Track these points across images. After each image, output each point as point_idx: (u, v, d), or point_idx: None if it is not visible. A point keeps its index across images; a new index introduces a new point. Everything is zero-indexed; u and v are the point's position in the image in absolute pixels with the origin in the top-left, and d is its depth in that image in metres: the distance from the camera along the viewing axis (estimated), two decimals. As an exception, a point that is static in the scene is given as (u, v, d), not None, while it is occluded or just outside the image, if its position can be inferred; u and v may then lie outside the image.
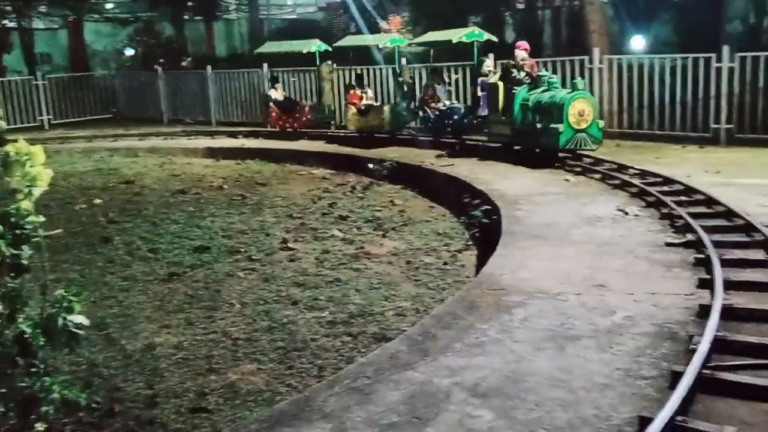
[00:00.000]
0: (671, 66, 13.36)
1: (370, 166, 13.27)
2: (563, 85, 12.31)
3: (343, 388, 4.10)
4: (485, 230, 8.64)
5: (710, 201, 7.97)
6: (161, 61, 24.65)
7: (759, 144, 12.04)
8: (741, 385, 3.85)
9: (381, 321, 6.39)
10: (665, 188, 8.85)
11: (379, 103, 15.75)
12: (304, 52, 16.52)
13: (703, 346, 4.17)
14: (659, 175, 9.53)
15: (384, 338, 5.89)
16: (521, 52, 12.27)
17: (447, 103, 14.34)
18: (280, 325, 6.39)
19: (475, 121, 13.53)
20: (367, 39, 17.67)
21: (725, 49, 12.65)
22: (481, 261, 7.52)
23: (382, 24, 23.86)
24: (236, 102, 20.65)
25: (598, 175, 10.15)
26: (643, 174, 9.77)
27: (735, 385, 3.86)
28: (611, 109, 14.12)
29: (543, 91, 11.31)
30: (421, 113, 14.70)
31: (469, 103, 14.59)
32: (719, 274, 5.43)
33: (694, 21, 18.80)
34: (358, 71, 16.81)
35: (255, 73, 19.79)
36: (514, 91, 11.80)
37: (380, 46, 15.78)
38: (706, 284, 5.44)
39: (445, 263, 8.07)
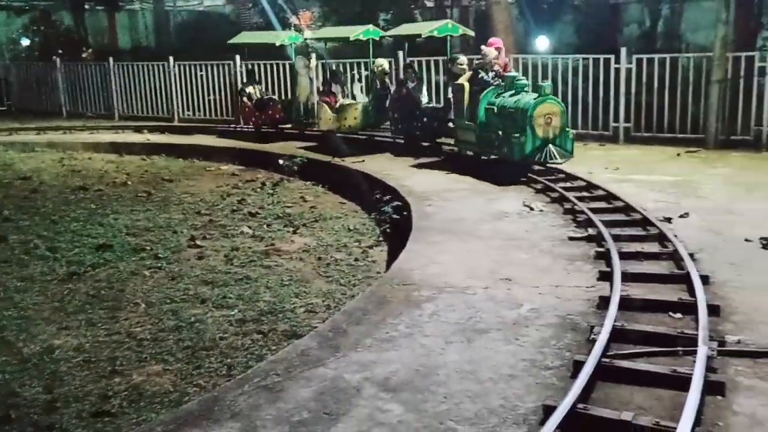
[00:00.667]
0: (573, 66, 13.81)
1: (281, 162, 13.15)
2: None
3: (253, 387, 4.05)
4: (396, 226, 8.72)
5: (610, 196, 8.31)
6: (60, 52, 23.61)
7: (654, 142, 12.62)
8: (637, 372, 4.02)
9: (292, 318, 6.34)
10: (568, 184, 9.17)
11: (355, 102, 14.01)
12: (277, 44, 15.09)
13: (603, 336, 4.34)
14: (562, 172, 9.86)
15: (295, 335, 5.85)
16: (490, 50, 10.96)
17: (424, 101, 12.90)
18: (188, 324, 6.24)
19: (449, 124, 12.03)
20: (263, 36, 16.87)
21: (623, 51, 13.19)
22: (392, 257, 7.58)
23: (292, 19, 23.65)
24: (140, 96, 19.98)
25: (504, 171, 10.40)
26: (548, 171, 10.08)
27: (632, 372, 4.03)
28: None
29: (512, 95, 9.96)
30: (393, 114, 13.14)
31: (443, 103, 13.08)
32: (618, 266, 5.66)
33: (594, 23, 19.53)
34: (333, 67, 15.56)
35: (225, 66, 18.27)
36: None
37: (278, 44, 14.87)
38: (606, 277, 5.66)
39: (356, 259, 8.08)
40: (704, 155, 11.62)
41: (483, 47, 11.05)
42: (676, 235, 6.56)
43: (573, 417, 3.49)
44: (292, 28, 17.78)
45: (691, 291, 5.15)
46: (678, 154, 11.67)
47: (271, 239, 8.93)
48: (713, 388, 3.82)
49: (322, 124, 14.06)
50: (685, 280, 5.44)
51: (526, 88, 9.95)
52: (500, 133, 9.86)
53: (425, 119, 12.46)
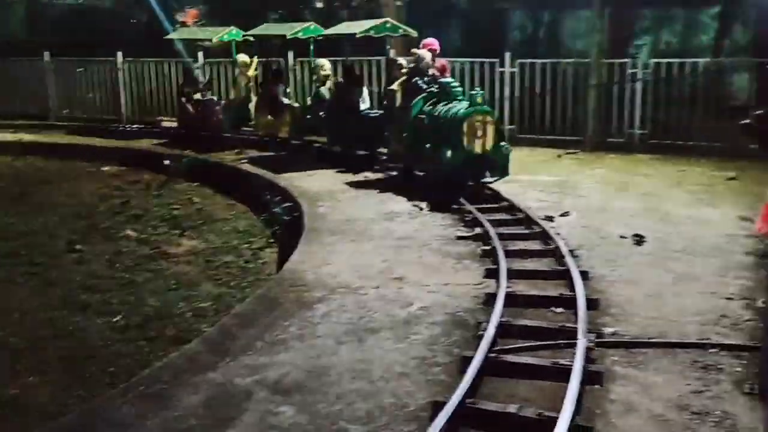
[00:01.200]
0: (460, 69, 14.14)
1: (167, 162, 12.76)
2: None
3: (138, 395, 3.90)
4: (287, 227, 8.64)
5: (496, 197, 8.57)
6: None
7: (538, 143, 13.11)
8: (522, 366, 4.17)
9: (179, 323, 6.17)
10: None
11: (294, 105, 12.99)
12: (214, 40, 14.07)
13: (489, 332, 4.46)
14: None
15: (183, 341, 5.69)
16: (424, 52, 9.87)
17: (364, 107, 11.66)
18: (67, 332, 5.95)
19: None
20: (202, 32, 15.85)
21: (507, 56, 13.63)
22: (284, 258, 7.51)
23: (178, 16, 23.01)
24: (12, 92, 18.81)
25: (394, 173, 10.52)
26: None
27: (517, 366, 4.17)
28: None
29: (445, 103, 8.90)
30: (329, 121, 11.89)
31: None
32: (503, 264, 5.84)
33: (480, 28, 20.08)
34: (274, 66, 14.36)
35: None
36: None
37: (214, 41, 13.91)
38: (493, 274, 5.83)
39: (247, 261, 7.96)
40: (583, 157, 12.17)
41: (415, 50, 10.09)
42: (558, 233, 6.84)
43: (462, 412, 3.57)
44: (178, 25, 17.27)
45: (572, 286, 5.38)
46: (559, 156, 12.17)
47: (157, 242, 8.66)
48: (592, 378, 4.00)
49: (259, 127, 13.15)
50: (566, 276, 5.68)
51: (459, 96, 8.91)
52: (428, 146, 8.82)
53: (363, 127, 11.12)
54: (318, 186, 9.61)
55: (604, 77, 12.86)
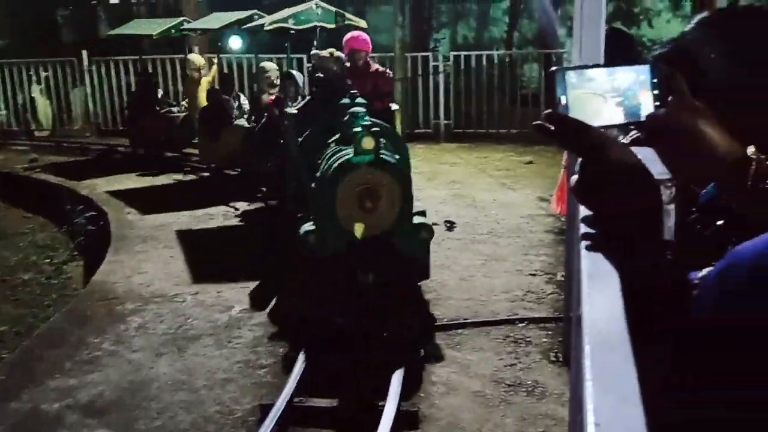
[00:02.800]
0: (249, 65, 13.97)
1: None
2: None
3: (-73, 438, 3.49)
4: (93, 237, 8.11)
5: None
6: None
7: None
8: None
9: (-26, 351, 5.59)
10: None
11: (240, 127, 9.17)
12: (154, 36, 11.25)
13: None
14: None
15: (-21, 370, 5.16)
16: (328, 54, 6.35)
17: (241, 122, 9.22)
18: None
19: None
20: (142, 26, 12.81)
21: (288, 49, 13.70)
22: (91, 270, 7.04)
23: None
24: None
25: (206, 173, 10.21)
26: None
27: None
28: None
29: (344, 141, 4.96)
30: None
31: None
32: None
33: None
34: (225, 70, 11.58)
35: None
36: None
37: (155, 36, 11.19)
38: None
39: (49, 278, 7.37)
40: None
41: (316, 51, 6.97)
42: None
43: (290, 411, 3.54)
44: None
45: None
46: (370, 148, 12.41)
47: (-58, 264, 7.79)
48: (414, 362, 4.13)
49: (203, 152, 10.09)
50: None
51: (358, 128, 4.75)
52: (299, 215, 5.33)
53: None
54: (125, 192, 9.11)
55: (409, 71, 13.32)
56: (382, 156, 4.52)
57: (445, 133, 13.17)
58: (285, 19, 8.42)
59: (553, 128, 0.93)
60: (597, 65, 1.03)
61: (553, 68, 0.98)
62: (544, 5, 15.37)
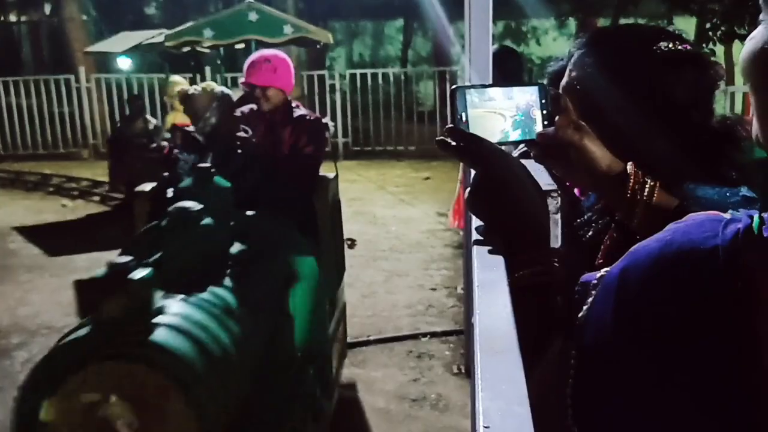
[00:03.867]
0: (161, 85, 13.66)
1: None
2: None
3: None
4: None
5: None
6: None
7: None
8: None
9: None
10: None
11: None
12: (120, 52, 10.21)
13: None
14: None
15: None
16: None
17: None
18: None
19: None
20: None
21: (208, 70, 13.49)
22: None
23: None
24: None
25: (97, 198, 9.82)
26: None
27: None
28: (104, 129, 13.82)
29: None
30: None
31: None
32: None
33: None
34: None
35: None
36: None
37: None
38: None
39: (-76, 313, 6.87)
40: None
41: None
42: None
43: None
44: None
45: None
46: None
47: None
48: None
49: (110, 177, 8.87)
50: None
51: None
52: None
53: None
54: (7, 220, 8.63)
55: (305, 89, 13.29)
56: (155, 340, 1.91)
57: (344, 151, 13.21)
58: (198, 31, 6.26)
59: (453, 143, 0.96)
60: (495, 84, 1.08)
61: (455, 86, 1.03)
62: (437, 23, 15.75)
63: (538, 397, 0.60)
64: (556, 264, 0.90)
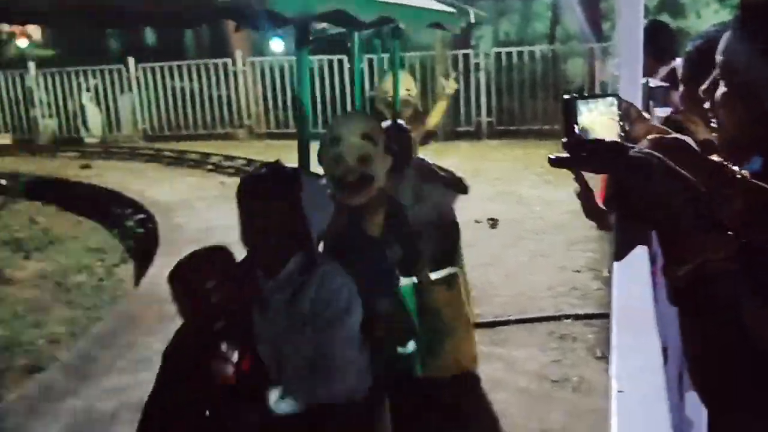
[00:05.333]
0: (311, 67, 14.12)
1: (2, 182, 11.89)
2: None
3: (-11, 434, 3.63)
4: (143, 240, 8.30)
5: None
6: None
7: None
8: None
9: (31, 351, 5.76)
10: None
11: None
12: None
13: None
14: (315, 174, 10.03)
15: (36, 369, 5.33)
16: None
17: None
18: None
19: None
20: None
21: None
22: (141, 273, 7.21)
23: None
24: None
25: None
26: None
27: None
28: (258, 111, 14.50)
29: None
30: None
31: None
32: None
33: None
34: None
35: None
36: None
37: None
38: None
39: (101, 279, 7.57)
40: (435, 146, 12.48)
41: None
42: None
43: None
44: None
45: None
46: (412, 147, 12.42)
47: None
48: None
49: None
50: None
51: None
52: None
53: None
54: (172, 196, 9.31)
55: (450, 68, 13.28)
56: None
57: (488, 131, 13.12)
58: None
59: (573, 155, 0.96)
60: (602, 95, 1.12)
61: (565, 97, 1.04)
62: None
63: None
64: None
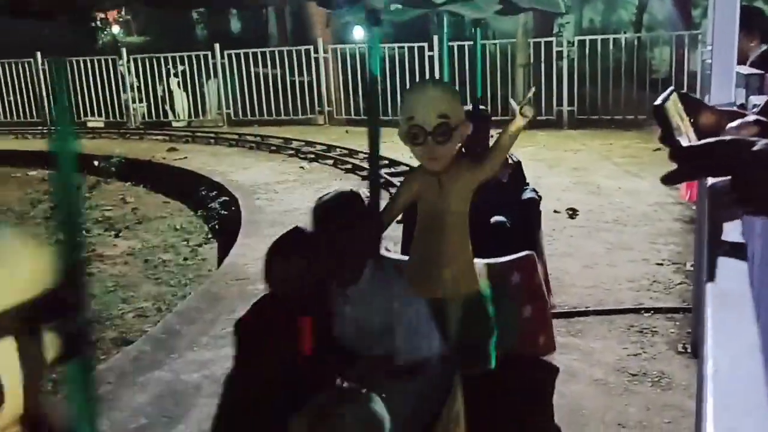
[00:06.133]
0: (390, 55, 14.17)
1: (96, 163, 12.44)
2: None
3: (84, 399, 3.84)
4: (225, 221, 8.56)
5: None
6: None
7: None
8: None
9: (121, 324, 6.06)
10: (392, 170, 9.42)
11: None
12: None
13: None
14: (385, 158, 10.09)
15: (125, 342, 5.60)
16: None
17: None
18: None
19: None
20: None
21: (436, 39, 13.73)
22: (223, 253, 7.44)
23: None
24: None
25: (330, 161, 10.51)
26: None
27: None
28: (338, 97, 14.66)
29: None
30: None
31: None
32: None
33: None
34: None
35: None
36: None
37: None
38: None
39: (186, 258, 7.85)
40: (514, 136, 12.36)
41: None
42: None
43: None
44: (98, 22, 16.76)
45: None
46: (491, 136, 12.32)
47: (92, 245, 8.45)
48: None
49: None
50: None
51: None
52: None
53: None
54: (254, 179, 9.54)
55: (532, 57, 13.10)
56: None
57: (569, 120, 12.89)
58: None
59: (683, 167, 0.88)
60: (669, 92, 1.07)
61: (656, 104, 0.99)
62: (676, -15, 14.70)
63: None
64: None
